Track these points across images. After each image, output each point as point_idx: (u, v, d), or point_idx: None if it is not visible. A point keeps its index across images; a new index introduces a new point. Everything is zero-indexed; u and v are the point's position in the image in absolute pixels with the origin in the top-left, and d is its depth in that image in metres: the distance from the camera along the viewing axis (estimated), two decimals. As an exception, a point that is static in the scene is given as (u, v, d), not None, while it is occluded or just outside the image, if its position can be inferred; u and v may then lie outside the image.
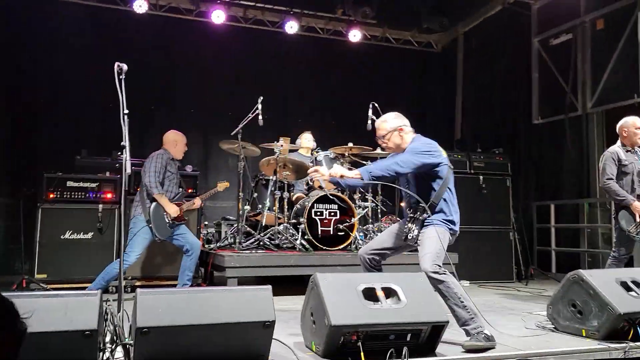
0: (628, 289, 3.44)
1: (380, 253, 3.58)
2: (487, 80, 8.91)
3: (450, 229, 3.41)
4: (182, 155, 5.17)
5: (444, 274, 3.19)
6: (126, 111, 3.11)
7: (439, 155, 3.46)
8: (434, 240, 3.29)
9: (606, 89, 6.91)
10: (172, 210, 4.84)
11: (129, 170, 2.98)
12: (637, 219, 4.44)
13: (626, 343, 3.19)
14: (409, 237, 3.34)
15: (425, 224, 3.36)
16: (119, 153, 3.52)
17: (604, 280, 3.46)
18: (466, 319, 3.14)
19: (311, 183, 6.18)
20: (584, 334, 3.39)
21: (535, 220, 7.85)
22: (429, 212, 3.34)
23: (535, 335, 3.54)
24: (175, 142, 5.10)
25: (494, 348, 3.09)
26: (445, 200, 3.43)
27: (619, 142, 4.76)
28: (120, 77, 3.10)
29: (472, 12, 9.05)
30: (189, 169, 6.20)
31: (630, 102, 6.36)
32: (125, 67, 3.13)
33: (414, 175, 3.45)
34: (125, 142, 2.99)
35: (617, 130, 4.81)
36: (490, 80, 8.83)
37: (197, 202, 5.28)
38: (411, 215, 3.39)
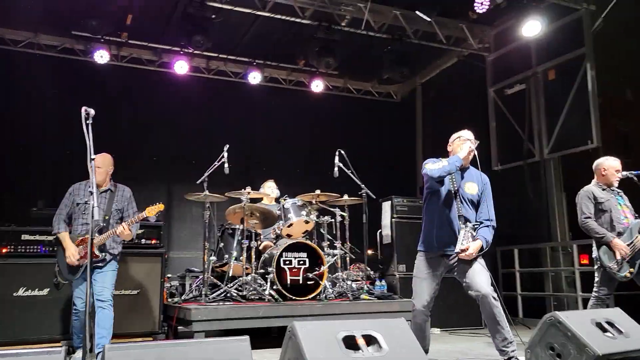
0: (604, 330, 3.45)
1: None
2: (446, 128, 9.11)
3: None
4: (101, 179, 4.32)
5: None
6: (93, 157, 2.99)
7: None
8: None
9: (561, 135, 7.21)
10: (68, 251, 4.14)
11: (96, 217, 2.83)
12: (617, 257, 4.42)
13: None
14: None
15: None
16: (85, 201, 3.33)
17: (580, 321, 3.46)
18: (510, 340, 3.60)
19: (279, 232, 6.06)
20: (564, 378, 3.35)
21: (499, 266, 7.93)
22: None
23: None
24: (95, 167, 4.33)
25: None
26: None
27: (594, 181, 4.79)
28: (87, 122, 2.99)
29: (429, 63, 9.40)
30: (152, 219, 6.00)
31: (585, 148, 6.63)
32: (92, 111, 3.03)
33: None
34: (93, 189, 2.85)
35: (594, 168, 4.82)
36: (449, 129, 9.04)
37: (119, 229, 4.16)
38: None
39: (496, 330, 3.63)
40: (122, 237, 4.24)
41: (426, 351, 3.81)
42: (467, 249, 3.68)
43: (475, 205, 3.92)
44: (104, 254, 4.18)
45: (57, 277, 4.21)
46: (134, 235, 4.30)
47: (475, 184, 3.94)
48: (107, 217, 4.27)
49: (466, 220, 3.80)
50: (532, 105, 7.70)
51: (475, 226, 3.83)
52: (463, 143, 3.97)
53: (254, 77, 8.60)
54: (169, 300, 5.81)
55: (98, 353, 3.48)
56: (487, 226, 3.87)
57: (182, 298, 5.75)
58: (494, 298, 3.63)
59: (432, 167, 3.82)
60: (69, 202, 4.33)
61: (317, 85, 9.00)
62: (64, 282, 4.18)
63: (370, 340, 2.92)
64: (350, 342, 2.86)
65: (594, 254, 4.66)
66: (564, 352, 3.38)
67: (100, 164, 4.28)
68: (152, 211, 4.25)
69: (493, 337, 3.68)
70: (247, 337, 2.61)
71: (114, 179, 4.48)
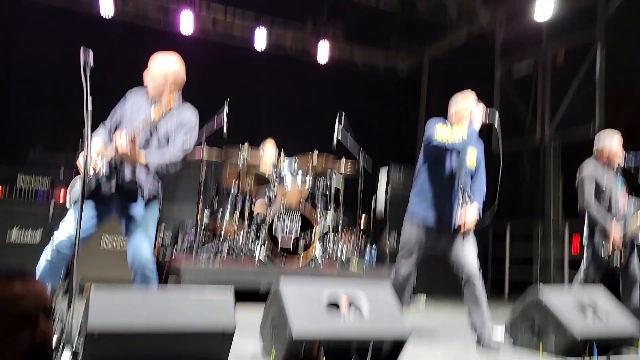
0: (584, 311, 3.50)
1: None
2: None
3: None
4: (155, 90, 3.30)
5: None
6: (89, 100, 2.94)
7: None
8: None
9: (564, 118, 7.16)
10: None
11: (109, 157, 2.78)
12: (610, 242, 4.36)
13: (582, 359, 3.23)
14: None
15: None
16: (80, 150, 3.18)
17: (562, 302, 3.50)
18: (489, 326, 3.53)
19: (274, 194, 6.07)
20: (540, 350, 3.42)
21: (490, 243, 7.98)
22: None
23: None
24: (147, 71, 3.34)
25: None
26: None
27: (594, 159, 4.64)
28: (86, 62, 2.91)
29: (437, 39, 9.25)
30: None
31: (587, 132, 6.58)
32: (91, 52, 2.96)
33: None
34: (88, 136, 2.83)
35: (595, 148, 4.66)
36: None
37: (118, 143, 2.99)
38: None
39: (477, 314, 3.57)
40: (123, 159, 3.07)
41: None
42: (466, 221, 3.61)
43: (472, 172, 3.80)
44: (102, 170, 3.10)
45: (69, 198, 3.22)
46: (151, 167, 3.07)
47: (474, 149, 3.76)
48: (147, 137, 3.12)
49: (464, 188, 3.68)
50: (539, 86, 7.63)
51: (470, 195, 3.72)
52: (472, 108, 3.66)
53: (260, 37, 8.47)
54: (161, 251, 5.86)
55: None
56: (480, 195, 3.78)
57: (174, 249, 5.81)
58: (479, 277, 3.59)
59: (448, 138, 3.51)
60: (119, 106, 3.36)
61: (323, 53, 8.87)
62: (69, 205, 3.21)
63: (352, 302, 2.97)
64: (333, 304, 2.91)
65: (585, 241, 4.59)
66: (543, 328, 3.44)
67: (173, 76, 3.27)
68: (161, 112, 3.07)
69: (472, 320, 3.61)
70: (230, 287, 2.65)
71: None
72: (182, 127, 3.20)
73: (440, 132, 3.56)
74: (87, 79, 2.81)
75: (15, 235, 4.99)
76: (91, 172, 3.06)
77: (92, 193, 3.08)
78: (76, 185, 3.16)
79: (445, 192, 3.68)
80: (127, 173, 3.14)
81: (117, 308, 2.36)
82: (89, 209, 3.08)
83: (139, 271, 3.11)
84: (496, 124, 3.65)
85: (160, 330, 2.39)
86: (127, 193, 3.13)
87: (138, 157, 3.02)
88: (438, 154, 3.67)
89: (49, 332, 1.33)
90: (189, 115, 3.25)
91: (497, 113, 3.68)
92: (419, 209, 3.76)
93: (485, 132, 3.81)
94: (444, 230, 3.68)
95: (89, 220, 3.08)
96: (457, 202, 3.66)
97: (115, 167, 3.10)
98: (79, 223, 2.73)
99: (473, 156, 3.76)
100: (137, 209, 3.14)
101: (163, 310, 2.46)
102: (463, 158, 3.69)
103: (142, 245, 3.10)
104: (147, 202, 3.18)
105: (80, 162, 3.03)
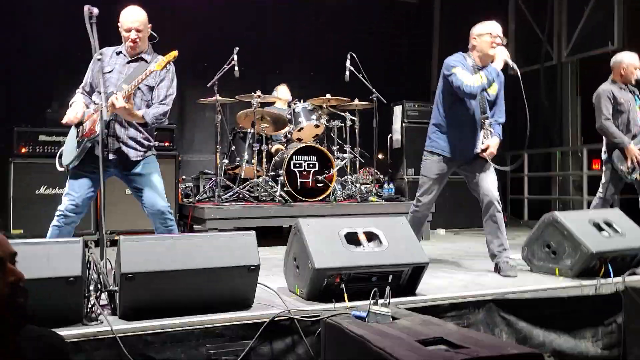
0: (600, 229, 3.57)
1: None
2: (464, 32, 8.80)
3: None
4: (127, 43, 3.28)
5: None
6: (99, 57, 3.00)
7: None
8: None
9: (581, 37, 6.97)
10: (69, 112, 3.20)
11: (105, 117, 2.89)
12: (629, 162, 4.36)
13: (597, 280, 3.31)
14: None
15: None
16: (94, 101, 3.26)
17: (578, 221, 3.57)
18: (505, 247, 3.63)
19: (290, 136, 6.12)
20: (557, 273, 3.52)
21: (508, 172, 7.99)
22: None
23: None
24: (130, 29, 3.25)
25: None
26: None
27: (611, 79, 4.59)
28: (91, 21, 2.96)
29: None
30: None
31: (604, 50, 6.42)
32: (96, 10, 2.99)
33: None
34: (101, 89, 2.90)
35: (612, 65, 4.61)
36: (467, 32, 8.75)
37: (111, 99, 2.99)
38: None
39: (495, 235, 3.66)
40: (120, 115, 3.12)
41: None
42: (488, 147, 3.67)
43: (492, 103, 3.81)
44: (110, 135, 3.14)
45: (57, 163, 3.32)
46: (148, 119, 3.13)
47: (495, 84, 3.72)
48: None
49: (485, 120, 3.72)
50: (554, 6, 7.37)
51: (491, 122, 3.77)
52: (493, 45, 3.59)
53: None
54: (184, 200, 6.03)
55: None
56: (500, 124, 3.83)
57: (197, 198, 5.97)
58: (499, 202, 3.68)
59: (470, 82, 3.50)
60: (91, 71, 3.32)
61: (330, -16, 8.63)
62: (60, 168, 3.29)
63: (371, 236, 3.07)
64: (352, 238, 3.01)
65: (604, 156, 4.63)
66: (559, 249, 3.53)
67: (140, 26, 3.24)
68: (163, 62, 3.08)
69: (489, 242, 3.70)
70: (252, 232, 2.77)
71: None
72: (163, 80, 3.27)
73: (462, 74, 3.54)
74: (95, 37, 2.85)
75: (42, 190, 5.21)
76: (89, 134, 3.12)
77: (87, 156, 3.14)
78: (65, 148, 3.27)
79: (465, 122, 3.71)
80: (120, 133, 3.20)
81: (146, 253, 2.50)
82: (87, 173, 3.17)
83: (158, 221, 3.24)
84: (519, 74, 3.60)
85: (189, 267, 2.53)
86: (123, 153, 3.20)
87: (133, 112, 3.08)
88: (463, 95, 3.62)
89: (18, 274, 1.47)
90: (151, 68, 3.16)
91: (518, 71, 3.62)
92: (439, 139, 3.81)
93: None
94: (465, 158, 3.77)
95: (87, 186, 3.17)
96: (478, 132, 3.72)
97: (107, 128, 3.11)
98: (103, 173, 2.85)
99: (494, 87, 3.74)
100: (137, 166, 3.23)
101: (190, 251, 2.59)
102: (484, 93, 3.68)
103: (154, 197, 3.21)
104: (144, 157, 3.27)
105: (71, 117, 3.15)
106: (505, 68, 3.71)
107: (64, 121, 3.20)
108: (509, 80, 3.92)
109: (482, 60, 3.69)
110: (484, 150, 3.68)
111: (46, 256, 2.30)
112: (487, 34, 3.65)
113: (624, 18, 6.44)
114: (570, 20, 7.18)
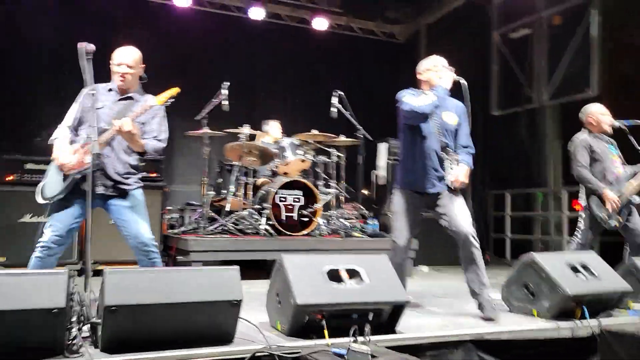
0: (576, 271, 3.65)
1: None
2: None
3: None
4: (117, 78, 3.35)
5: None
6: (92, 92, 3.08)
7: None
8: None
9: (561, 83, 7.22)
10: (56, 152, 3.23)
11: (97, 151, 2.95)
12: (608, 207, 4.44)
13: (574, 322, 3.37)
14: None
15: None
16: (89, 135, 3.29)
17: (555, 263, 3.65)
18: (486, 284, 3.57)
19: (276, 169, 6.20)
20: (535, 314, 3.57)
21: (491, 209, 8.14)
22: None
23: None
24: (120, 64, 3.34)
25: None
26: None
27: (586, 130, 4.71)
28: (87, 57, 3.04)
29: (434, 4, 9.22)
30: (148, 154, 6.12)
31: (583, 96, 6.64)
32: (91, 47, 3.07)
33: None
34: (94, 123, 2.97)
35: (581, 119, 4.75)
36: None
37: (117, 123, 3.10)
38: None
39: (473, 272, 3.58)
40: (125, 139, 3.18)
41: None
42: (457, 177, 3.59)
43: (454, 134, 3.74)
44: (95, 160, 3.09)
45: (39, 196, 3.28)
46: (148, 148, 3.25)
47: (452, 113, 3.73)
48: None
49: (448, 149, 3.65)
50: (535, 50, 7.65)
51: (457, 152, 3.70)
52: (440, 71, 3.64)
53: (256, 13, 8.47)
54: (169, 231, 6.03)
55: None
56: (467, 153, 3.74)
57: (181, 230, 5.99)
58: (474, 238, 3.57)
59: (418, 102, 3.51)
60: (79, 105, 3.31)
61: (320, 23, 8.88)
62: (43, 201, 3.24)
63: (353, 273, 3.12)
64: (334, 275, 3.06)
65: (583, 202, 4.70)
66: (537, 290, 3.59)
67: (132, 62, 3.33)
68: (164, 97, 3.22)
69: (470, 280, 3.62)
70: (237, 267, 2.80)
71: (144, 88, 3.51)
72: (155, 117, 3.36)
73: (410, 97, 3.58)
74: (88, 73, 2.93)
75: (27, 218, 5.20)
76: (75, 169, 3.16)
77: (74, 190, 3.17)
78: (48, 180, 3.27)
79: (427, 153, 3.66)
80: (108, 165, 3.26)
81: (130, 285, 2.52)
82: (72, 204, 3.19)
83: (142, 253, 3.26)
84: (463, 90, 3.63)
85: (172, 301, 2.55)
86: (110, 185, 3.26)
87: (138, 139, 3.16)
88: (415, 120, 3.61)
89: None
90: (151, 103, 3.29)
91: (464, 81, 3.64)
92: (405, 174, 3.78)
93: (482, 96, 3.79)
94: (431, 191, 3.67)
95: (71, 218, 3.19)
96: (441, 162, 3.65)
97: (97, 162, 3.13)
98: (89, 205, 2.89)
99: (451, 115, 3.72)
100: (123, 198, 3.29)
101: (173, 285, 2.61)
102: (439, 118, 3.66)
103: (138, 229, 3.24)
104: (130, 189, 3.33)
105: (60, 156, 3.18)
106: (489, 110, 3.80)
107: (56, 163, 3.23)
108: (488, 121, 3.95)
109: None
110: (455, 181, 3.60)
111: (31, 287, 2.32)
112: (432, 66, 3.73)
113: (601, 65, 6.70)
114: (550, 65, 7.45)
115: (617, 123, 4.69)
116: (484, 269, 3.62)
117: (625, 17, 6.65)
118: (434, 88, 3.58)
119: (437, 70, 3.66)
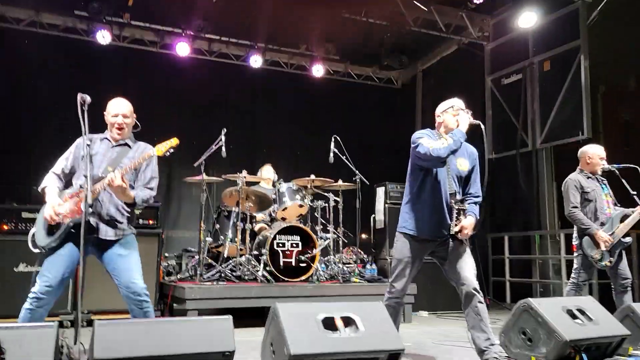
0: (574, 316, 3.60)
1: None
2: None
3: None
4: (114, 129, 3.39)
5: None
6: (88, 142, 3.13)
7: None
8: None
9: (554, 126, 7.32)
10: (48, 203, 3.20)
11: (90, 201, 2.97)
12: (602, 247, 4.49)
13: (573, 368, 3.33)
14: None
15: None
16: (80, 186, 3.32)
17: (552, 308, 3.61)
18: (493, 341, 3.41)
19: (274, 215, 6.22)
20: (534, 361, 3.52)
21: (490, 252, 8.10)
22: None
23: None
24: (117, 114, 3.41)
25: None
26: None
27: (579, 169, 4.82)
28: (83, 108, 3.11)
29: (430, 50, 9.46)
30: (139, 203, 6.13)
31: (576, 139, 6.74)
32: (88, 98, 3.15)
33: None
34: (87, 173, 3.00)
35: (579, 156, 4.85)
36: (448, 116, 9.17)
37: (109, 176, 3.09)
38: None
39: (479, 329, 3.42)
40: (115, 192, 3.19)
41: None
42: (463, 229, 3.48)
43: (463, 180, 3.65)
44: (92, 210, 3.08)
45: (31, 244, 3.25)
46: (138, 200, 3.27)
47: (466, 160, 3.66)
48: (112, 171, 3.15)
49: (457, 198, 3.55)
50: (527, 95, 7.79)
51: (465, 200, 3.60)
52: (458, 114, 3.57)
53: (255, 61, 8.68)
54: (165, 278, 6.00)
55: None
56: (475, 203, 3.64)
57: (178, 277, 5.95)
58: (479, 292, 3.45)
59: (436, 145, 3.39)
60: (72, 155, 3.36)
61: (318, 70, 9.07)
62: (35, 249, 3.21)
63: (348, 322, 3.09)
64: (329, 323, 3.03)
65: (575, 242, 4.77)
66: (535, 337, 3.54)
67: (128, 112, 3.43)
68: (163, 148, 3.24)
69: (475, 337, 3.43)
70: (229, 317, 2.78)
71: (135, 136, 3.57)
72: (149, 165, 3.40)
73: (428, 140, 3.49)
74: (86, 123, 2.99)
75: (22, 267, 5.16)
76: (67, 220, 3.15)
77: (66, 238, 3.16)
78: (40, 227, 3.23)
79: (435, 199, 3.53)
80: (102, 213, 3.25)
81: (120, 338, 2.50)
82: (64, 253, 3.16)
83: (134, 303, 3.20)
84: (483, 133, 3.61)
85: (164, 353, 2.52)
86: (103, 232, 3.24)
87: (128, 192, 3.18)
88: (432, 164, 3.51)
89: None
90: (151, 153, 3.32)
91: (470, 112, 3.61)
92: (410, 219, 3.62)
93: (479, 140, 3.81)
94: (437, 238, 3.56)
95: (63, 267, 3.14)
96: (449, 209, 3.54)
97: (90, 211, 3.06)
98: (83, 256, 2.89)
99: (464, 161, 3.66)
100: (116, 246, 3.27)
101: (165, 337, 2.59)
102: (452, 164, 3.58)
103: (130, 278, 3.20)
104: (124, 236, 3.31)
105: (50, 213, 3.14)
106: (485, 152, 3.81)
107: (45, 215, 3.18)
108: (490, 165, 3.91)
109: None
110: (459, 232, 3.48)
111: (19, 342, 2.30)
112: (450, 107, 3.66)
113: (591, 110, 6.82)
114: (542, 110, 7.57)
115: (607, 166, 4.78)
116: (489, 324, 3.45)
117: (613, 63, 6.83)
118: (452, 133, 3.48)
119: (454, 113, 3.60)
